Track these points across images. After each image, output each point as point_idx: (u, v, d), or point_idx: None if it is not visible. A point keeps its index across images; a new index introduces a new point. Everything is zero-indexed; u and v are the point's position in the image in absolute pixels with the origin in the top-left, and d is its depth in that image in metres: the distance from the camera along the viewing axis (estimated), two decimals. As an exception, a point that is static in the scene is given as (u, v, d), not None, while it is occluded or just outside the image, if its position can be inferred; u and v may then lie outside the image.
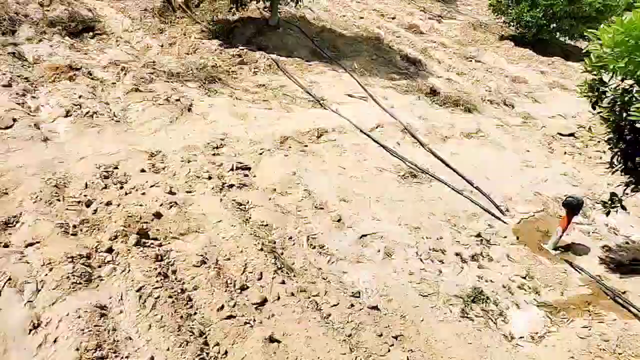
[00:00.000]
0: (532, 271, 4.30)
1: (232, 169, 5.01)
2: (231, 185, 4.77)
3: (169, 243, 3.89)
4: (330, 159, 5.62)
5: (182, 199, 4.40)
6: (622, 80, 3.85)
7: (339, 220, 4.64)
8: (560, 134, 6.99)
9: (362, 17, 11.91)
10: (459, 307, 3.80)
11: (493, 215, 5.01)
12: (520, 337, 3.65)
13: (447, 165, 5.81)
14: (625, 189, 4.07)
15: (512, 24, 11.58)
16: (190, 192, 4.56)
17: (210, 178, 4.80)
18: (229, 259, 3.86)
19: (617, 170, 4.08)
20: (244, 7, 8.41)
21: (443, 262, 4.28)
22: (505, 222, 4.95)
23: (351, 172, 5.42)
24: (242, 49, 8.00)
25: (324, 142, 5.97)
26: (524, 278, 4.22)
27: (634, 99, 3.51)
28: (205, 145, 5.32)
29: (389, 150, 5.95)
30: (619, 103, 3.89)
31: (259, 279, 3.73)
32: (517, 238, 4.75)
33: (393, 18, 12.38)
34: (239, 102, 6.52)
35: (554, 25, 11.05)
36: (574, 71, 10.10)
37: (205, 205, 4.40)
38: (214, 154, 5.24)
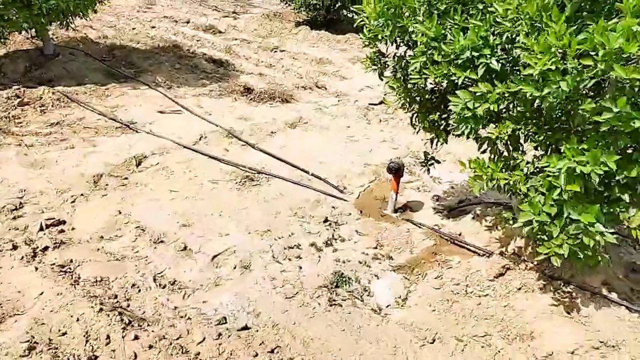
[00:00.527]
0: (381, 239, 4.52)
1: (41, 229, 4.27)
2: (45, 248, 4.07)
3: None
4: (158, 185, 5.16)
5: (-14, 283, 3.62)
6: (397, 47, 4.11)
7: (184, 249, 4.29)
8: (372, 104, 7.52)
9: (153, 27, 11.27)
10: (325, 297, 3.80)
11: (334, 196, 5.14)
12: (387, 306, 3.79)
13: (280, 159, 5.79)
14: (431, 144, 4.45)
15: (302, 9, 12.06)
16: (-7, 271, 3.76)
17: (15, 247, 4.03)
18: (64, 334, 3.29)
19: (419, 129, 4.42)
20: (3, 40, 7.15)
21: (300, 257, 4.25)
22: (346, 200, 5.11)
23: (185, 193, 5.06)
24: (19, 88, 6.85)
25: (146, 168, 5.47)
26: (376, 248, 4.41)
27: (409, 63, 3.76)
28: (-1, 210, 4.43)
29: (219, 159, 5.70)
30: (399, 70, 4.19)
31: (108, 344, 3.25)
32: (361, 212, 4.94)
33: (187, 22, 11.98)
34: (32, 149, 5.58)
35: (339, 4, 11.82)
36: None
37: (18, 280, 3.68)
38: (14, 218, 4.40)
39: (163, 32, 10.94)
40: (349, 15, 12.25)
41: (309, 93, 8.10)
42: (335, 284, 3.95)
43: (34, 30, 7.63)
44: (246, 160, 5.74)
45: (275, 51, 10.32)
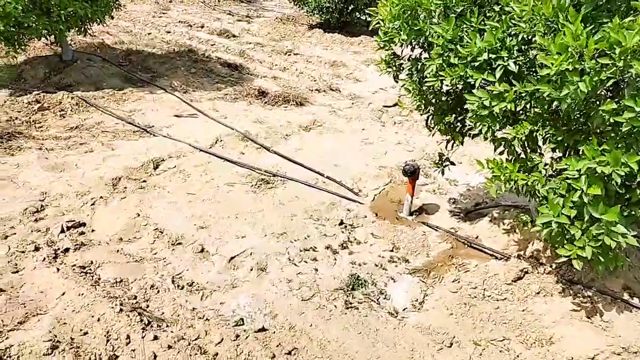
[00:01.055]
0: (397, 242, 4.52)
1: (62, 231, 4.35)
2: (66, 249, 4.14)
3: (7, 338, 3.26)
4: (175, 187, 5.22)
5: (9, 282, 3.72)
6: (412, 50, 4.08)
7: (202, 251, 4.33)
8: (386, 106, 7.52)
9: (169, 32, 11.41)
10: (341, 300, 3.81)
11: (349, 199, 5.15)
12: (404, 309, 3.78)
13: (295, 162, 5.82)
14: (447, 146, 4.42)
15: (315, 12, 12.12)
16: (17, 271, 3.85)
17: (37, 249, 4.11)
18: (85, 333, 3.34)
19: (434, 131, 4.39)
20: (24, 47, 7.29)
21: (316, 260, 4.26)
22: (361, 203, 5.12)
23: (202, 195, 5.11)
24: (39, 93, 7.01)
25: (163, 171, 5.54)
26: (392, 251, 4.41)
27: (425, 66, 3.75)
28: (22, 213, 4.52)
29: (235, 162, 5.75)
30: (415, 72, 4.16)
31: (128, 344, 3.30)
32: (376, 214, 4.94)
33: (202, 27, 12.10)
34: (52, 152, 5.69)
35: (352, 6, 11.85)
36: (380, 47, 10.92)
37: (40, 281, 3.76)
38: (35, 220, 4.49)
39: (178, 36, 11.07)
40: (362, 17, 12.29)
41: (323, 96, 8.13)
42: (351, 286, 3.95)
43: (53, 36, 7.77)
44: (262, 163, 5.78)
45: (289, 54, 10.37)
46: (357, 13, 12.15)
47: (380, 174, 5.64)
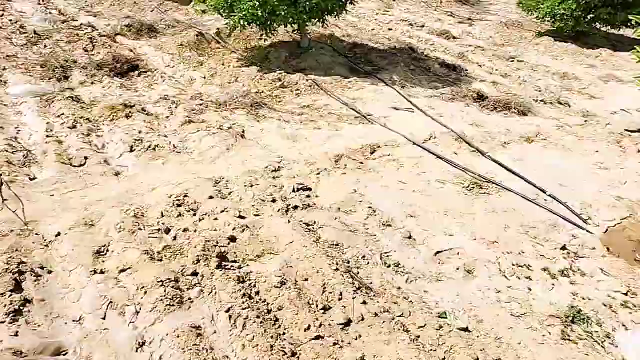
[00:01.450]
0: (633, 287, 3.94)
1: (294, 191, 4.91)
2: (296, 207, 4.66)
3: (247, 265, 3.89)
4: (388, 174, 5.43)
5: (252, 223, 4.38)
6: None
7: (409, 237, 4.43)
8: (628, 131, 6.58)
9: (390, 29, 11.82)
10: (557, 329, 3.49)
11: (575, 225, 4.66)
12: (637, 364, 3.29)
13: (514, 173, 5.51)
14: None
15: (546, 19, 11.20)
16: (258, 215, 4.52)
17: (274, 201, 4.73)
18: (306, 280, 3.75)
19: None
20: (273, 32, 8.42)
21: (530, 279, 3.99)
22: (590, 232, 4.58)
23: (412, 186, 5.22)
24: (281, 73, 7.99)
25: (379, 157, 5.80)
26: (626, 295, 3.86)
27: None
28: (264, 169, 5.26)
29: (448, 161, 5.72)
30: None
31: (340, 299, 3.58)
32: (608, 249, 4.37)
33: (422, 26, 12.24)
34: (288, 124, 6.44)
35: (591, 15, 10.64)
36: (626, 62, 9.58)
37: (275, 227, 4.33)
38: (274, 177, 5.17)
39: (399, 34, 11.40)
40: (602, 28, 10.96)
41: (550, 108, 7.51)
42: (570, 318, 3.59)
43: (296, 25, 8.71)
44: (475, 167, 5.63)
45: (511, 61, 9.85)
46: (597, 23, 10.89)
47: (617, 205, 4.96)
